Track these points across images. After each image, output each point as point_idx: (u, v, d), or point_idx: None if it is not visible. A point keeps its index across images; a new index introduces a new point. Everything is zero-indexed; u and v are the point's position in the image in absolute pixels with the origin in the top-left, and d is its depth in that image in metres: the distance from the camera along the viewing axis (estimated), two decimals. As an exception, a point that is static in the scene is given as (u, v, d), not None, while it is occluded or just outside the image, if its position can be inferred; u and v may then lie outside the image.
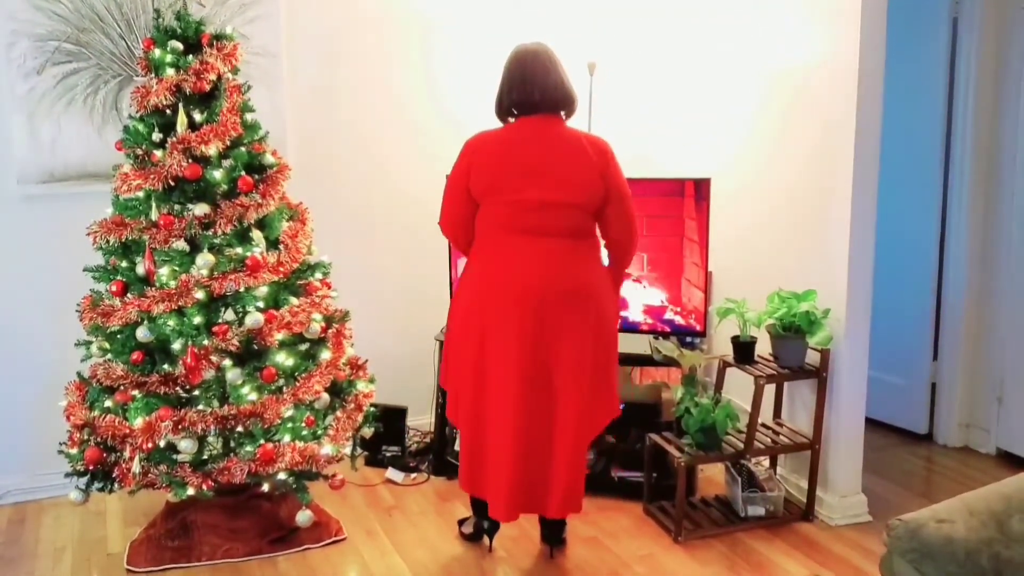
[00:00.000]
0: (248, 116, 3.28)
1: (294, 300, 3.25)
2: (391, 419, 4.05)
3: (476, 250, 3.06)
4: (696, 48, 4.25)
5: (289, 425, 3.16)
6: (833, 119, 3.43)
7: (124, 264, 3.17)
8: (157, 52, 3.14)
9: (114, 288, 3.14)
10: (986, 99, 4.10)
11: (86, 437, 3.11)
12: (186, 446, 3.05)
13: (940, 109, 4.15)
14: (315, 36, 4.02)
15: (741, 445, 3.44)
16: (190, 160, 3.10)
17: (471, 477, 3.08)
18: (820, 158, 3.52)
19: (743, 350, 3.54)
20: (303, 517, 3.29)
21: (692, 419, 3.37)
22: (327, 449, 3.19)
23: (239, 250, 3.15)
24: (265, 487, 3.27)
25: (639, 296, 3.82)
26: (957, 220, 4.20)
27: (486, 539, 3.34)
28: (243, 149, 3.22)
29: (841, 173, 3.40)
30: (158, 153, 3.12)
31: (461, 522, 3.46)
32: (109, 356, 3.18)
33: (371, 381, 3.50)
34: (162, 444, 3.04)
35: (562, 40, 4.24)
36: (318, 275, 3.39)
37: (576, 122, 4.34)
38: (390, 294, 4.26)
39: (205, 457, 3.15)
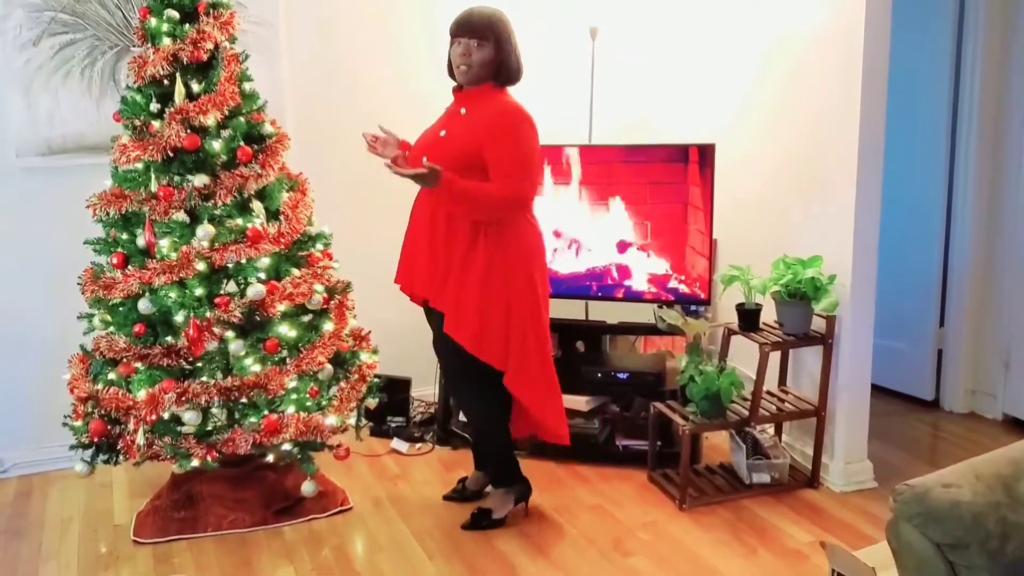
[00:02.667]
0: (246, 86, 3.25)
1: (295, 271, 3.24)
2: (395, 390, 4.04)
3: (524, 219, 3.13)
4: (700, 12, 4.19)
5: (293, 396, 3.16)
6: (839, 84, 3.38)
7: (124, 236, 3.16)
8: (153, 21, 3.10)
9: (115, 260, 3.13)
10: (993, 64, 4.04)
11: (90, 410, 3.11)
12: (190, 418, 3.05)
13: (947, 73, 4.10)
14: (313, 3, 3.98)
15: (746, 412, 3.43)
16: (188, 130, 3.08)
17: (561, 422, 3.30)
18: (826, 124, 3.48)
19: (748, 317, 3.52)
20: (308, 487, 3.29)
21: (697, 387, 3.37)
22: (331, 420, 3.19)
23: (239, 221, 3.13)
24: (270, 458, 3.28)
25: (643, 265, 3.80)
26: (963, 185, 4.16)
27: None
28: (242, 119, 3.19)
29: (847, 138, 3.36)
30: (156, 124, 3.09)
31: (486, 512, 3.28)
32: (111, 329, 3.18)
33: (374, 352, 3.50)
34: (166, 416, 3.04)
35: (564, 5, 4.22)
36: (319, 246, 3.37)
37: (578, 87, 4.33)
38: (392, 265, 4.22)
39: (209, 428, 3.15)
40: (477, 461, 3.52)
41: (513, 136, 2.99)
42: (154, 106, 3.11)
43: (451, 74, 3.18)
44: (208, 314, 3.07)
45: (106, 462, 3.17)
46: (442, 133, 3.12)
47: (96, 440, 3.10)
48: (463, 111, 3.11)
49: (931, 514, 1.82)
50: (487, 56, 3.02)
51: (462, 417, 3.97)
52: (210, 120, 3.09)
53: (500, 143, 2.98)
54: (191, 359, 3.14)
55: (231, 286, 3.20)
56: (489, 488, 3.42)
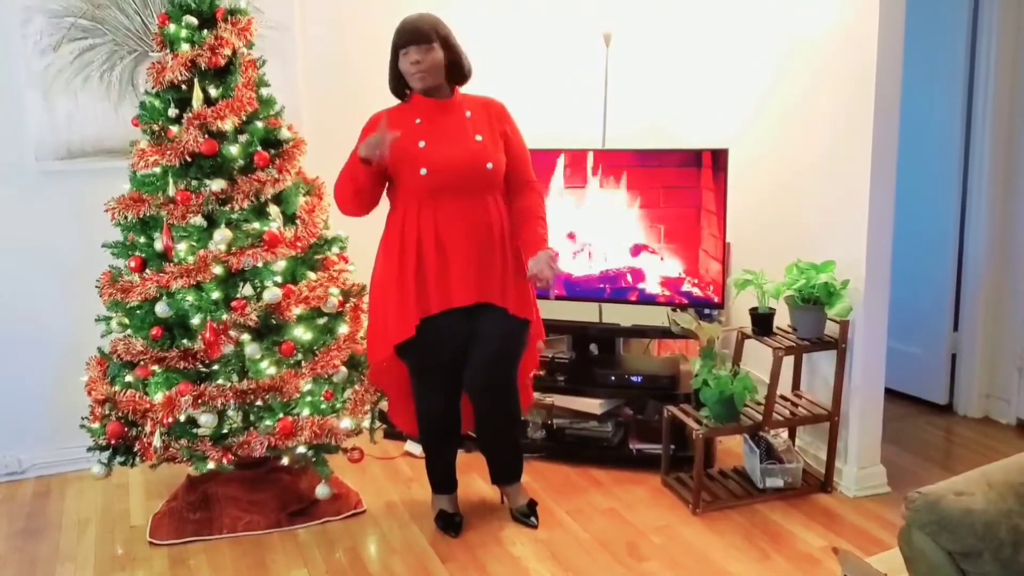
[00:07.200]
0: (263, 91, 3.28)
1: (312, 275, 3.26)
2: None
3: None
4: (713, 17, 4.19)
5: (308, 399, 3.18)
6: (852, 87, 3.38)
7: (142, 240, 3.19)
8: (172, 27, 3.13)
9: (133, 264, 3.16)
10: (1008, 64, 4.02)
11: (107, 412, 3.14)
12: (206, 420, 3.08)
13: (961, 77, 4.08)
14: (328, 8, 4.00)
15: (759, 417, 3.44)
16: (206, 135, 3.11)
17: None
18: (839, 127, 3.48)
19: (761, 321, 3.52)
20: (323, 490, 3.32)
21: (710, 391, 3.37)
22: (346, 422, 3.21)
23: (256, 225, 3.16)
24: (285, 460, 3.30)
25: (656, 268, 3.81)
26: (977, 189, 4.15)
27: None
28: (259, 124, 3.22)
29: (860, 142, 3.36)
30: (174, 129, 3.12)
31: (534, 503, 3.39)
32: (129, 331, 3.21)
33: (389, 355, 3.51)
34: (182, 418, 3.07)
35: (578, 10, 4.22)
36: (335, 249, 3.39)
37: (591, 92, 4.32)
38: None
39: (225, 431, 3.18)
40: (507, 474, 3.40)
41: (516, 127, 3.21)
42: (172, 111, 3.15)
43: (395, 88, 3.15)
44: (224, 317, 3.09)
45: (123, 464, 3.20)
46: (478, 138, 3.09)
47: (113, 442, 3.14)
48: (468, 114, 3.12)
49: (943, 522, 1.82)
50: (439, 58, 3.04)
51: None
52: (227, 125, 3.12)
53: (517, 137, 3.19)
54: (207, 362, 3.17)
55: (247, 289, 3.22)
56: (515, 487, 3.39)
